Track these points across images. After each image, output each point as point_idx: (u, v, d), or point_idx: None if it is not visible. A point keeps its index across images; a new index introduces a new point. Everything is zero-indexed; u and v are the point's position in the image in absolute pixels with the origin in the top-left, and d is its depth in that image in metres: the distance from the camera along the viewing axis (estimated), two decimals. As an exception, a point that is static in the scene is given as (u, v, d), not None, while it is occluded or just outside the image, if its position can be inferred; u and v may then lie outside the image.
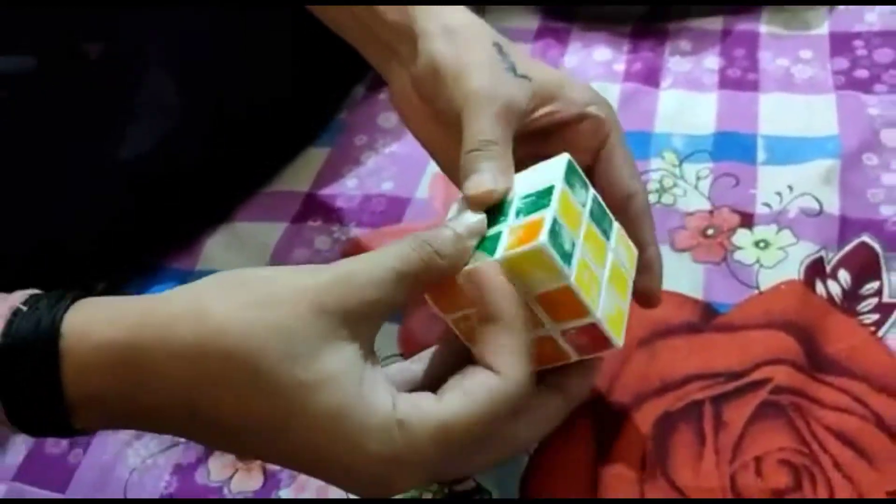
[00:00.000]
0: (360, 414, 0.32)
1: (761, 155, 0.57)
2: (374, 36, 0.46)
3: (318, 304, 0.32)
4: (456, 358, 0.37)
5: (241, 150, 0.59)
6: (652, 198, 0.55)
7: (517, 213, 0.37)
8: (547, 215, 0.35)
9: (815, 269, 0.49)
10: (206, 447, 0.45)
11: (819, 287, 0.49)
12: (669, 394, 0.45)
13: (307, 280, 0.33)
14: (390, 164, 0.60)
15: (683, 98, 0.62)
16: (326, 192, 0.59)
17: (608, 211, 0.40)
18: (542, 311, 0.36)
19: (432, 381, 0.37)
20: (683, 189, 0.55)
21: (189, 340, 0.31)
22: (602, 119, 0.43)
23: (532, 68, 0.42)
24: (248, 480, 0.45)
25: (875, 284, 0.49)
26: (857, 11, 0.66)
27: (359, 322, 0.33)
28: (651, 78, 0.63)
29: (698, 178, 0.56)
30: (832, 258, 0.50)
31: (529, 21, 0.70)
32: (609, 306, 0.37)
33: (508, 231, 0.36)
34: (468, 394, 0.33)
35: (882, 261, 0.50)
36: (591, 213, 0.38)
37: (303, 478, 0.45)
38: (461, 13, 0.44)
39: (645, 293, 0.42)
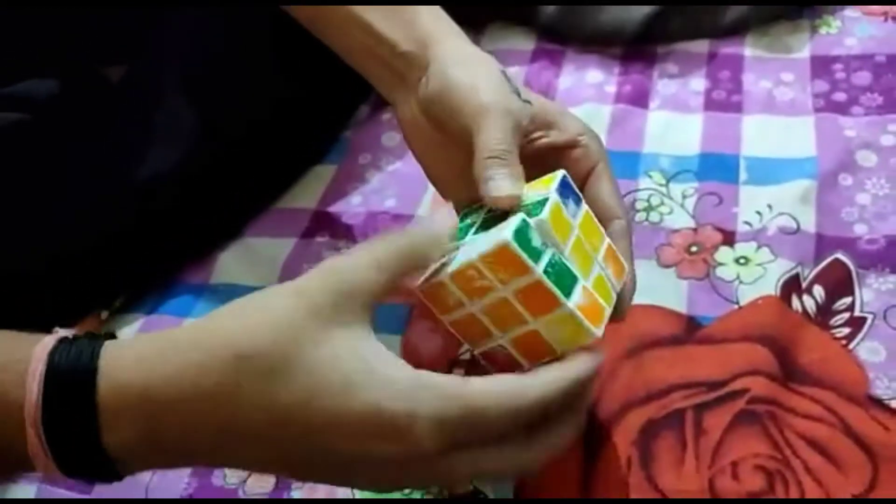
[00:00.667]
0: (376, 377, 0.35)
1: (743, 175, 0.60)
2: (382, 64, 0.49)
3: (308, 299, 0.36)
4: None
5: (252, 168, 0.62)
6: (640, 216, 0.58)
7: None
8: (516, 219, 0.38)
9: (792, 286, 0.53)
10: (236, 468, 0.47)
11: (795, 302, 0.52)
12: (654, 402, 0.48)
13: (294, 285, 0.37)
14: (393, 182, 0.64)
15: (670, 119, 0.65)
16: (333, 208, 0.62)
17: (600, 228, 0.43)
18: (522, 307, 0.39)
19: None
20: (670, 207, 0.58)
21: (206, 354, 0.35)
22: (592, 148, 0.46)
23: (531, 96, 0.46)
24: (261, 482, 0.49)
25: (847, 300, 0.52)
26: (837, 36, 0.69)
27: (348, 306, 0.36)
28: (640, 99, 0.67)
29: (684, 197, 0.59)
30: (808, 275, 0.53)
31: (525, 43, 0.73)
32: (585, 301, 0.39)
33: (479, 237, 0.40)
34: (496, 378, 0.37)
35: (854, 277, 0.53)
36: (582, 226, 0.41)
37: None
38: (470, 46, 0.48)
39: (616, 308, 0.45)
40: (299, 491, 0.48)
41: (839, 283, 0.53)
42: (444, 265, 0.40)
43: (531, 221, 0.39)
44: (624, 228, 0.45)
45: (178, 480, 0.49)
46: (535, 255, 0.38)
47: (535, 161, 0.47)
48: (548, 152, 0.46)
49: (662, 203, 0.59)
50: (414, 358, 0.51)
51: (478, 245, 0.39)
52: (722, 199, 0.58)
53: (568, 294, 0.39)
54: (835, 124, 0.62)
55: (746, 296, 0.52)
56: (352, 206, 0.62)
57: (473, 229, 0.42)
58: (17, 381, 0.34)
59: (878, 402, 0.47)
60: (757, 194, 0.58)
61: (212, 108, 0.59)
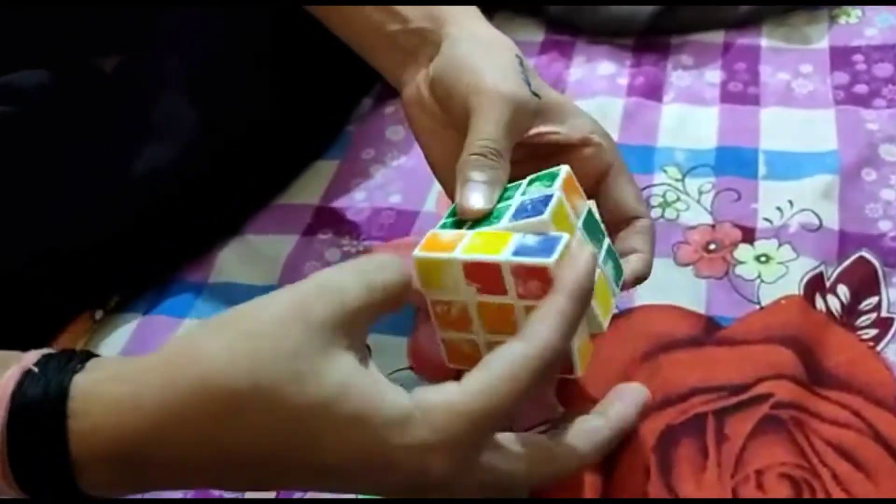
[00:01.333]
0: (381, 412, 0.32)
1: (762, 170, 0.58)
2: (390, 41, 0.47)
3: (308, 320, 0.32)
4: None
5: (252, 163, 0.60)
6: (655, 212, 0.56)
7: (514, 216, 0.39)
8: (561, 238, 0.37)
9: (815, 285, 0.50)
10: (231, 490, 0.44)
11: (819, 302, 0.50)
12: (672, 407, 0.46)
13: (290, 300, 0.33)
14: (398, 177, 0.62)
15: (685, 112, 0.63)
16: (336, 204, 0.60)
17: (602, 225, 0.41)
18: (524, 320, 0.37)
19: None
20: (686, 203, 0.56)
21: (191, 388, 0.31)
22: (604, 147, 0.44)
23: (544, 91, 0.44)
24: (262, 493, 0.46)
25: (874, 299, 0.50)
26: (857, 26, 0.67)
27: (347, 329, 0.33)
28: (654, 92, 0.64)
29: (700, 193, 0.57)
30: (832, 273, 0.51)
31: (534, 34, 0.71)
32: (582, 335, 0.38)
33: (475, 236, 0.38)
34: (486, 367, 0.33)
35: (881, 276, 0.51)
36: (584, 225, 0.40)
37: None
38: (488, 26, 0.46)
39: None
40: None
41: (864, 282, 0.51)
42: (455, 238, 0.38)
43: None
44: (646, 227, 0.44)
45: (173, 493, 0.47)
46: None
47: (543, 156, 0.45)
48: (556, 149, 0.45)
49: (678, 199, 0.57)
50: (421, 360, 0.50)
51: (510, 246, 0.37)
52: (740, 195, 0.56)
53: None
54: (856, 117, 0.60)
55: (768, 295, 0.50)
56: (355, 203, 0.60)
57: (512, 211, 0.39)
58: None
59: (909, 407, 0.45)
60: (777, 190, 0.56)
61: (211, 102, 0.57)
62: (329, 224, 0.59)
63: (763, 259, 0.52)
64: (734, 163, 0.58)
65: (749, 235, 0.54)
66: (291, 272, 0.56)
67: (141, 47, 0.57)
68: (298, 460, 0.32)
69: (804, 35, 0.67)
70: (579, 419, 0.39)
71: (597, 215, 0.42)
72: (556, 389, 0.47)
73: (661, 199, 0.57)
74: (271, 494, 0.46)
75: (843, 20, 0.68)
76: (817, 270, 0.51)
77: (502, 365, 0.33)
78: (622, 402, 0.40)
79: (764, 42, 0.67)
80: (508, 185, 0.42)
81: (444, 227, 0.41)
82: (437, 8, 0.46)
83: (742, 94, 0.64)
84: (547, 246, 0.36)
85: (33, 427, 0.31)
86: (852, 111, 0.60)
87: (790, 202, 0.55)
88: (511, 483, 0.35)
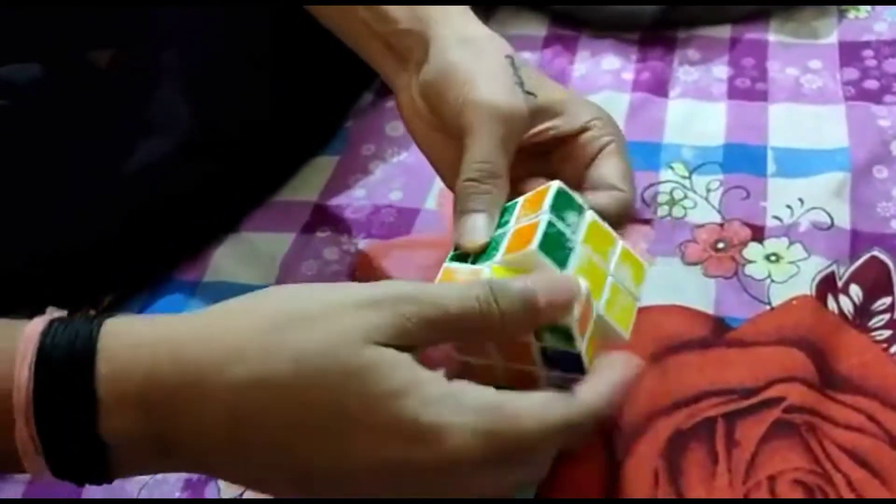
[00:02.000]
0: (420, 391, 0.31)
1: (771, 167, 0.56)
2: (384, 43, 0.46)
3: (374, 320, 0.32)
4: None
5: (248, 160, 0.58)
6: (662, 210, 0.55)
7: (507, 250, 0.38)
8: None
9: (827, 285, 0.49)
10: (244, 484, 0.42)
11: (831, 302, 0.48)
12: (681, 411, 0.45)
13: (355, 312, 0.32)
14: (399, 173, 0.60)
15: (692, 108, 0.62)
16: (335, 202, 0.59)
17: (611, 232, 0.40)
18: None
19: None
20: (694, 201, 0.55)
21: (240, 344, 0.31)
22: (601, 130, 0.43)
23: (540, 86, 0.43)
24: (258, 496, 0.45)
25: (887, 300, 0.48)
26: (866, 21, 0.66)
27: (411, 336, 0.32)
28: (660, 87, 0.63)
29: (708, 190, 0.56)
30: (844, 273, 0.50)
31: (537, 28, 0.69)
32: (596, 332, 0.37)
33: (491, 270, 0.37)
34: (535, 396, 0.33)
35: (894, 276, 0.50)
36: (586, 239, 0.38)
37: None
38: (476, 25, 0.44)
39: None
40: None
41: (877, 282, 0.49)
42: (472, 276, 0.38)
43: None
44: (618, 198, 0.41)
45: (168, 494, 0.45)
46: None
47: (543, 155, 0.44)
48: (555, 143, 0.43)
49: (686, 197, 0.55)
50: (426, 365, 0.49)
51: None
52: (749, 193, 0.55)
53: (585, 330, 0.36)
54: (867, 113, 0.59)
55: (779, 295, 0.49)
56: (355, 200, 0.59)
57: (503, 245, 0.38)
58: (3, 367, 0.31)
59: (925, 411, 0.43)
60: (786, 187, 0.55)
61: (207, 97, 0.56)
62: (328, 222, 0.57)
63: (773, 258, 0.51)
64: (743, 160, 0.57)
65: (759, 234, 0.52)
66: (289, 271, 0.54)
67: (136, 41, 0.56)
68: (327, 432, 0.31)
69: (813, 30, 0.66)
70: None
71: (601, 224, 0.40)
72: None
73: (668, 197, 0.55)
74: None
75: (852, 15, 0.67)
76: (829, 270, 0.50)
77: (552, 401, 0.33)
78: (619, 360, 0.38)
79: (772, 37, 0.66)
80: (507, 205, 0.40)
81: (452, 258, 0.40)
82: (424, 8, 0.44)
83: (750, 89, 0.62)
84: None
85: (62, 371, 0.31)
86: (863, 107, 0.59)
87: (800, 200, 0.54)
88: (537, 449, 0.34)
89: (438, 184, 0.58)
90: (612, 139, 0.43)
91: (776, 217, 0.53)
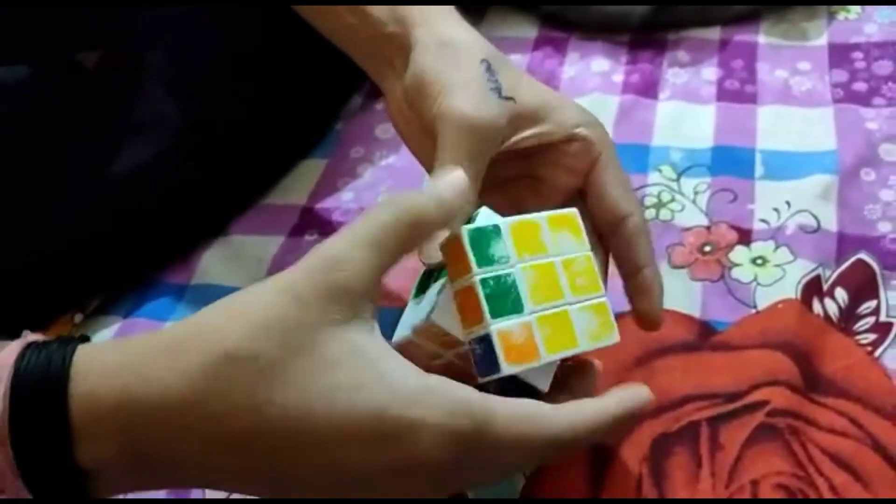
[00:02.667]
0: (380, 383, 0.31)
1: (759, 169, 0.56)
2: (371, 47, 0.45)
3: (297, 295, 0.32)
4: None
5: (236, 162, 0.58)
6: (650, 213, 0.55)
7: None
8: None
9: (813, 288, 0.49)
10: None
11: (816, 306, 0.49)
12: (666, 415, 0.45)
13: (283, 276, 0.33)
14: (387, 176, 0.60)
15: (681, 110, 0.61)
16: (323, 205, 0.59)
17: (599, 283, 0.39)
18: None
19: None
20: (681, 204, 0.55)
21: (192, 354, 0.31)
22: (591, 140, 0.42)
23: (520, 89, 0.42)
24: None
25: (872, 303, 0.48)
26: (856, 22, 0.66)
27: (344, 300, 0.32)
28: (649, 90, 0.63)
29: (696, 193, 0.56)
30: (829, 276, 0.50)
31: (528, 30, 0.69)
32: (517, 333, 0.36)
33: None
34: (514, 401, 0.33)
35: (879, 279, 0.49)
36: (566, 264, 0.38)
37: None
38: (458, 27, 0.43)
39: (645, 316, 0.42)
40: None
41: (863, 286, 0.49)
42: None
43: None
44: (638, 226, 0.41)
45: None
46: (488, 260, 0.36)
47: (529, 159, 0.43)
48: (540, 150, 0.42)
49: (673, 199, 0.55)
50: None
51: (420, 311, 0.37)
52: (737, 196, 0.55)
53: (500, 314, 0.35)
54: (856, 116, 0.59)
55: (764, 299, 0.49)
56: (343, 203, 0.59)
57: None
58: None
59: (908, 415, 0.43)
60: (774, 190, 0.55)
61: (196, 99, 0.56)
62: (316, 225, 0.57)
63: (759, 261, 0.51)
64: (730, 162, 0.57)
65: (745, 237, 0.52)
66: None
67: (123, 43, 0.56)
68: (290, 429, 0.31)
69: (802, 32, 0.66)
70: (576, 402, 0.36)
71: (594, 268, 0.39)
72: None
73: (655, 200, 0.55)
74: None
75: (842, 16, 0.66)
76: (815, 273, 0.50)
77: (533, 410, 0.33)
78: (623, 394, 0.37)
79: (761, 39, 0.66)
80: (472, 214, 0.39)
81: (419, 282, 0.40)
82: (407, 9, 0.43)
83: (739, 91, 0.62)
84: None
85: (35, 397, 0.31)
86: (851, 110, 0.59)
87: (788, 203, 0.54)
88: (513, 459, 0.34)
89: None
90: (600, 149, 0.42)
91: (763, 220, 0.53)
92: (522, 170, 0.44)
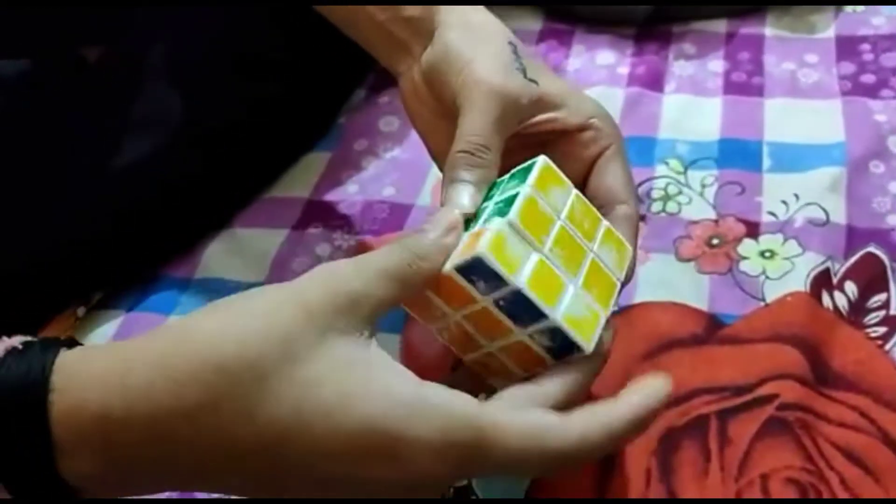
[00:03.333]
0: (373, 393, 0.31)
1: (767, 162, 0.56)
2: (387, 33, 0.45)
3: (304, 302, 0.32)
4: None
5: (240, 156, 0.58)
6: (657, 206, 0.54)
7: (485, 221, 0.37)
8: (492, 226, 0.35)
9: (822, 281, 0.49)
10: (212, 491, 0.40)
11: (826, 299, 0.48)
12: (674, 408, 0.44)
13: (289, 285, 0.33)
14: (392, 169, 0.60)
15: (688, 103, 0.61)
16: (327, 198, 0.58)
17: (595, 212, 0.39)
18: (505, 317, 0.36)
19: None
20: (688, 197, 0.55)
21: (186, 361, 0.30)
22: (602, 130, 0.42)
23: (541, 75, 0.42)
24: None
25: (882, 297, 0.48)
26: (863, 14, 0.65)
27: (349, 314, 0.32)
28: (655, 82, 0.63)
29: (703, 186, 0.55)
30: (839, 269, 0.49)
31: (532, 23, 0.69)
32: (577, 309, 0.36)
33: (467, 237, 0.36)
34: (516, 412, 0.32)
35: (889, 272, 0.49)
36: (570, 216, 0.37)
37: None
38: (482, 13, 0.44)
39: None
40: None
41: (873, 279, 0.49)
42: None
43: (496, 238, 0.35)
44: (627, 215, 0.41)
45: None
46: (512, 265, 0.34)
47: (542, 146, 0.43)
48: (554, 136, 0.43)
49: (680, 192, 0.55)
50: (414, 359, 0.48)
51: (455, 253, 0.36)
52: (744, 188, 0.54)
53: (554, 302, 0.35)
54: (864, 108, 0.58)
55: (773, 292, 0.49)
56: (348, 196, 0.58)
57: (483, 217, 0.38)
58: None
59: (919, 409, 0.43)
60: (782, 183, 0.54)
61: (197, 93, 0.55)
62: (320, 218, 0.57)
63: (768, 254, 0.51)
64: (738, 155, 0.56)
65: (753, 230, 0.52)
66: (281, 267, 0.54)
67: (125, 37, 0.55)
68: (284, 440, 0.30)
69: (809, 24, 0.66)
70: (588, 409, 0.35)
71: (586, 203, 0.39)
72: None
73: (662, 193, 0.55)
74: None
75: (849, 8, 0.66)
76: (824, 266, 0.49)
77: (536, 421, 0.32)
78: (635, 396, 0.36)
79: (768, 31, 0.65)
80: (497, 181, 0.40)
81: None
82: None
83: (746, 84, 0.62)
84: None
85: (14, 408, 0.30)
86: (859, 102, 0.59)
87: (796, 196, 0.53)
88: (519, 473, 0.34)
89: (432, 179, 0.58)
90: (611, 141, 0.42)
91: (771, 213, 0.53)
92: (530, 158, 0.43)
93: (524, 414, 0.32)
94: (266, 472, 0.31)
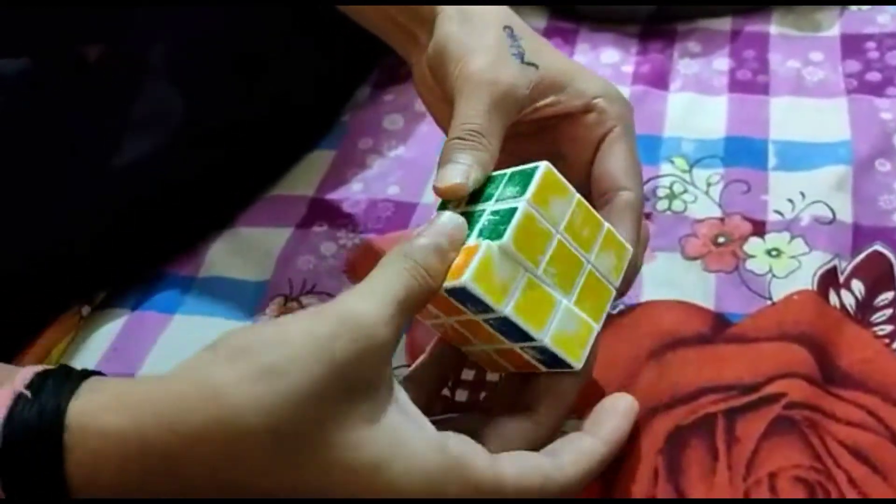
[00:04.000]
0: (404, 460, 0.31)
1: (772, 160, 0.56)
2: (395, 23, 0.45)
3: (330, 360, 0.30)
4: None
5: (243, 154, 0.58)
6: (662, 204, 0.54)
7: (480, 232, 0.36)
8: (481, 250, 0.35)
9: (829, 279, 0.49)
10: None
11: (833, 297, 0.48)
12: (681, 407, 0.44)
13: (312, 334, 0.31)
14: (396, 167, 0.60)
15: (693, 101, 0.61)
16: (332, 196, 0.58)
17: (596, 216, 0.38)
18: (496, 332, 0.36)
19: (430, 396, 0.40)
20: (694, 195, 0.54)
21: (204, 425, 0.29)
22: (607, 112, 0.41)
23: (544, 56, 0.41)
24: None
25: (889, 295, 0.48)
26: (868, 13, 0.65)
27: (374, 366, 0.32)
28: (660, 80, 0.62)
29: (709, 184, 0.55)
30: (845, 267, 0.49)
31: (536, 21, 0.69)
32: (567, 326, 0.36)
33: (463, 251, 0.36)
34: (524, 461, 0.35)
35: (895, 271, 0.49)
36: (568, 227, 0.37)
37: None
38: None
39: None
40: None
41: (880, 277, 0.49)
42: None
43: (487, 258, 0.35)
44: (628, 202, 0.40)
45: None
46: (499, 292, 0.34)
47: (546, 131, 0.43)
48: (557, 120, 0.42)
49: (686, 191, 0.55)
50: (418, 357, 0.48)
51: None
52: (750, 187, 0.54)
53: (543, 324, 0.35)
54: (870, 106, 0.58)
55: (780, 290, 0.48)
56: (352, 194, 0.58)
57: (479, 225, 0.37)
58: None
59: (927, 408, 0.43)
60: (788, 181, 0.54)
61: (199, 91, 0.55)
62: (324, 216, 0.57)
63: (774, 253, 0.50)
64: (743, 153, 0.56)
65: (759, 228, 0.52)
66: (285, 266, 0.54)
67: (127, 36, 0.55)
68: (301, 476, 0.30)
69: (814, 22, 0.65)
70: (570, 438, 0.37)
71: (587, 207, 0.38)
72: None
73: (667, 191, 0.55)
74: None
75: (854, 6, 0.66)
76: (830, 265, 0.49)
77: (542, 467, 0.35)
78: (615, 416, 0.39)
79: (773, 29, 0.65)
80: (494, 175, 0.39)
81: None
82: None
83: (751, 82, 0.62)
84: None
85: (28, 459, 0.29)
86: (865, 100, 0.59)
87: (802, 194, 0.53)
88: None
89: (436, 178, 0.58)
90: (615, 122, 0.41)
91: (777, 211, 0.53)
92: (546, 147, 0.43)
93: (526, 463, 0.35)
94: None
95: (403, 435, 0.32)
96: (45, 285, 0.50)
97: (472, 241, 0.36)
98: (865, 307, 0.48)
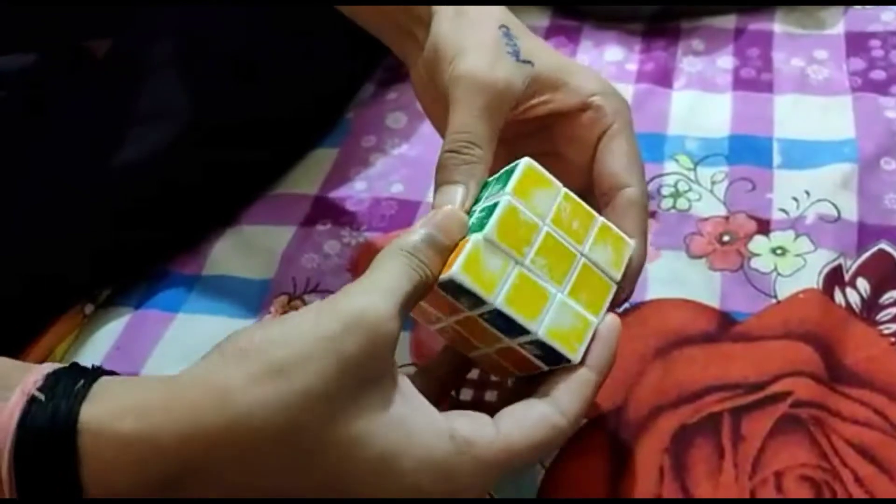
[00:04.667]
0: (414, 451, 0.31)
1: (777, 158, 0.56)
2: (393, 23, 0.45)
3: (338, 357, 0.30)
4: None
5: (247, 151, 0.58)
6: (667, 203, 0.54)
7: (470, 229, 0.36)
8: (468, 244, 0.35)
9: (834, 278, 0.49)
10: None
11: (838, 296, 0.48)
12: (687, 406, 0.44)
13: (318, 332, 0.31)
14: (400, 165, 0.59)
15: (697, 99, 0.61)
16: (335, 194, 0.58)
17: (587, 209, 0.38)
18: (492, 328, 0.36)
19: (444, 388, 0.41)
20: (698, 193, 0.54)
21: (216, 430, 0.29)
22: (604, 110, 0.41)
23: (539, 54, 0.41)
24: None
25: (894, 293, 0.48)
26: (873, 10, 0.65)
27: (381, 361, 0.32)
28: (664, 78, 0.62)
29: (713, 183, 0.55)
30: (851, 266, 0.49)
31: (540, 19, 0.68)
32: (563, 320, 0.36)
33: (458, 248, 0.36)
34: (527, 425, 0.34)
35: (901, 269, 0.49)
36: (556, 220, 0.37)
37: None
38: None
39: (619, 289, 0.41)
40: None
41: (885, 275, 0.49)
42: None
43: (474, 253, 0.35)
44: (632, 199, 0.40)
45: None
46: (489, 283, 0.34)
47: (543, 129, 0.42)
48: (553, 118, 0.42)
49: (690, 189, 0.55)
50: (423, 356, 0.48)
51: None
52: (755, 185, 0.54)
53: (536, 316, 0.35)
54: (874, 104, 0.58)
55: (785, 289, 0.48)
56: (356, 192, 0.58)
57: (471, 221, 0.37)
58: None
59: (934, 406, 0.43)
60: (793, 179, 0.54)
61: (204, 89, 0.55)
62: (328, 214, 0.57)
63: (779, 251, 0.50)
64: (748, 151, 0.56)
65: (764, 227, 0.52)
66: (289, 265, 0.54)
67: (132, 33, 0.55)
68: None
69: (818, 20, 0.65)
70: (560, 374, 0.36)
71: (576, 200, 0.38)
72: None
73: (672, 189, 0.55)
74: None
75: (858, 4, 0.66)
76: (836, 263, 0.49)
77: (541, 419, 0.34)
78: (599, 341, 0.37)
79: (777, 27, 0.65)
80: (490, 179, 0.39)
81: None
82: None
83: (755, 80, 0.62)
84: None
85: (42, 464, 0.29)
86: (870, 98, 0.58)
87: (807, 192, 0.53)
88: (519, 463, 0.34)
89: (440, 176, 0.58)
90: (613, 119, 0.41)
91: (782, 209, 0.53)
92: (543, 146, 0.43)
93: (526, 416, 0.35)
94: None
95: (412, 426, 0.32)
96: (48, 283, 0.50)
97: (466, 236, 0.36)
98: (871, 305, 0.47)
